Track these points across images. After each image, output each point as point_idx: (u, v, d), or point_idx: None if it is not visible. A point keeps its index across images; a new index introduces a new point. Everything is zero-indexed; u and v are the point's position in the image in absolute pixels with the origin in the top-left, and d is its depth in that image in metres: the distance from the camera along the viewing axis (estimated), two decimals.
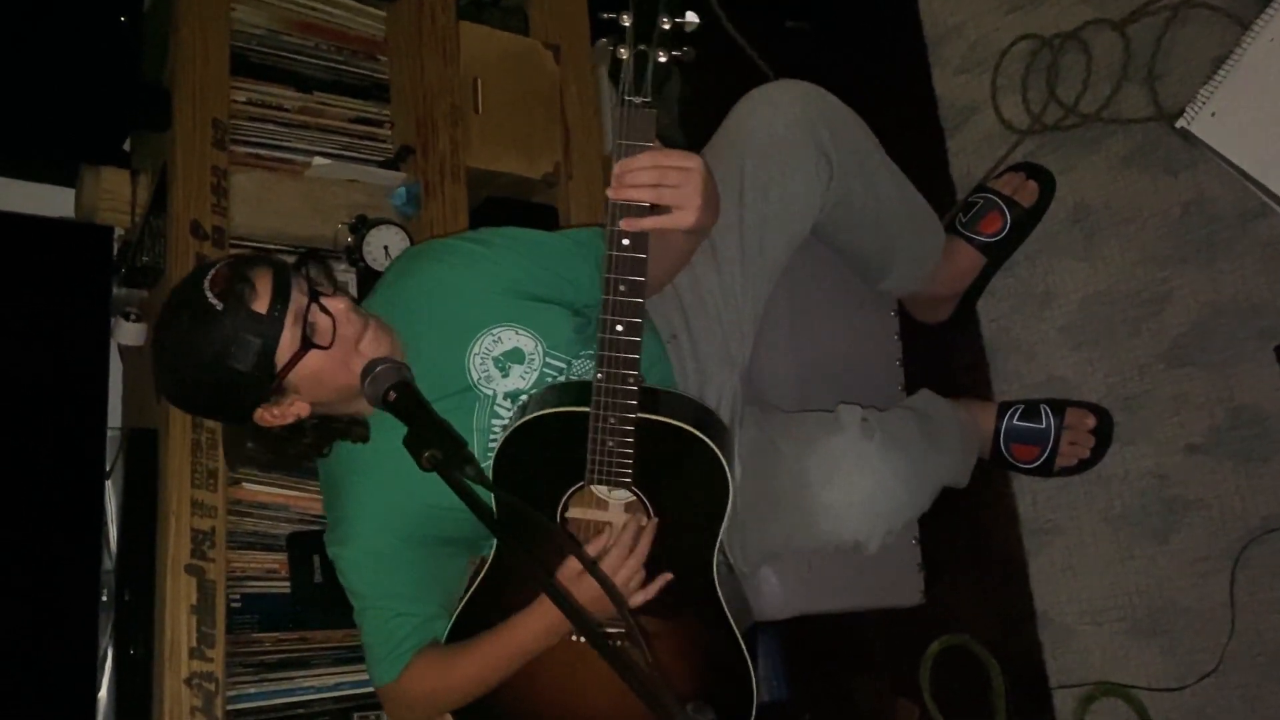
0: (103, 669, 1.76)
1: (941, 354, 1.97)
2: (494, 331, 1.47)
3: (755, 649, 1.51)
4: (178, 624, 1.62)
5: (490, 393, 1.48)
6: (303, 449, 1.44)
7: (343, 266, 1.94)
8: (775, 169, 1.52)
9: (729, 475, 1.33)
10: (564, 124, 2.22)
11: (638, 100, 1.16)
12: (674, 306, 1.64)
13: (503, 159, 2.12)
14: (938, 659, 1.94)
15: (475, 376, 1.47)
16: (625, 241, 1.22)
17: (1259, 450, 1.61)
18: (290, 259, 1.39)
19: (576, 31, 2.30)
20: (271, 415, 1.37)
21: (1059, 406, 1.77)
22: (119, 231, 1.98)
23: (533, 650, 1.42)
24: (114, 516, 1.82)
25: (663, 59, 1.13)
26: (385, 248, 1.92)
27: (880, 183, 1.64)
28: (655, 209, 1.22)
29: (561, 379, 1.50)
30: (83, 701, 1.71)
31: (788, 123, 1.51)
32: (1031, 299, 1.89)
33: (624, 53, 1.13)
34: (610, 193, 1.20)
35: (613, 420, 1.29)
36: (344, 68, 2.07)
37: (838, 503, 1.45)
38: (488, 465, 1.41)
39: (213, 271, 1.30)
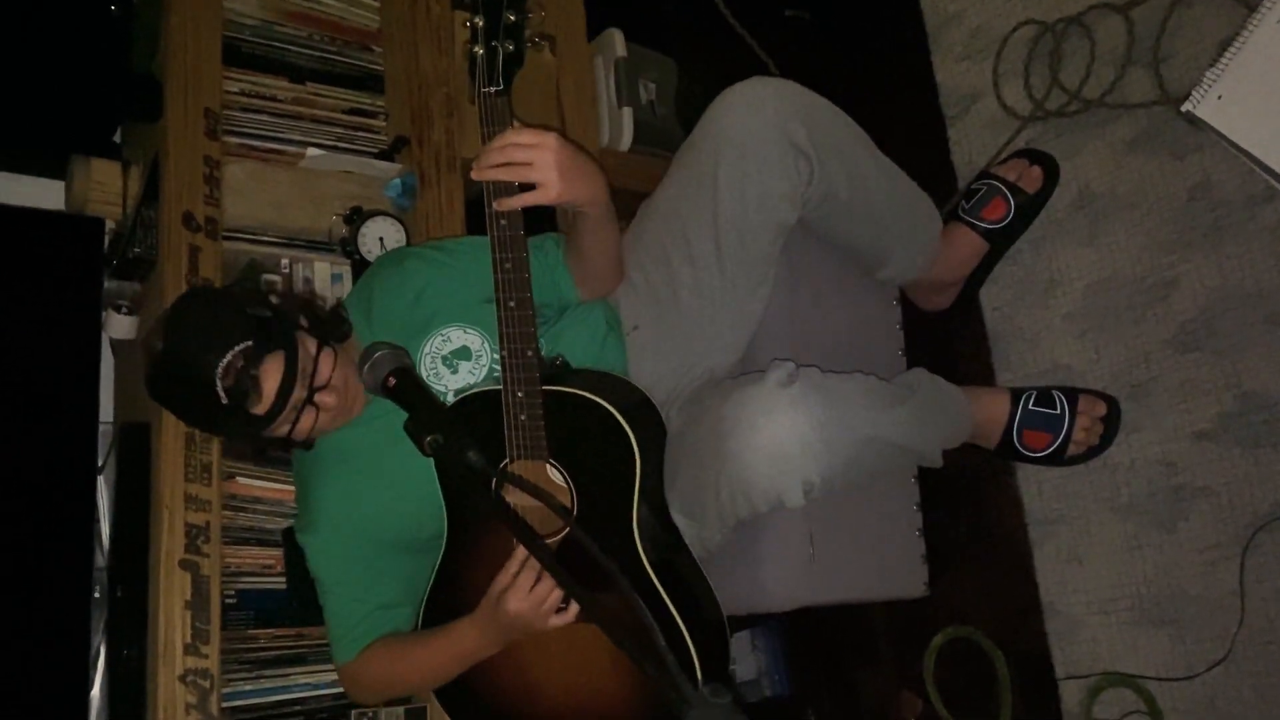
0: (95, 666, 1.73)
1: (944, 342, 1.96)
2: (443, 332, 1.57)
3: (725, 640, 1.50)
4: (172, 620, 1.59)
5: (442, 389, 1.55)
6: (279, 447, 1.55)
7: (336, 259, 1.92)
8: (750, 167, 1.50)
9: (631, 439, 1.37)
10: (560, 115, 2.19)
11: (492, 90, 1.31)
12: (647, 300, 1.64)
13: None
14: (942, 651, 1.93)
15: (424, 375, 1.55)
16: (502, 222, 1.35)
17: (1268, 436, 1.59)
18: (305, 322, 1.50)
19: (572, 23, 2.28)
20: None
21: (1071, 394, 1.75)
22: (110, 224, 1.95)
23: (476, 655, 1.47)
24: (106, 512, 1.79)
25: (511, 48, 1.28)
26: (380, 239, 1.90)
27: (866, 174, 1.62)
28: (524, 188, 1.34)
29: None
30: (75, 700, 1.69)
31: (760, 121, 1.50)
32: (1035, 286, 1.87)
33: (479, 50, 1.27)
34: (472, 174, 1.33)
35: (520, 394, 1.36)
36: (337, 58, 2.05)
37: (744, 448, 1.39)
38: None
39: (226, 361, 1.35)
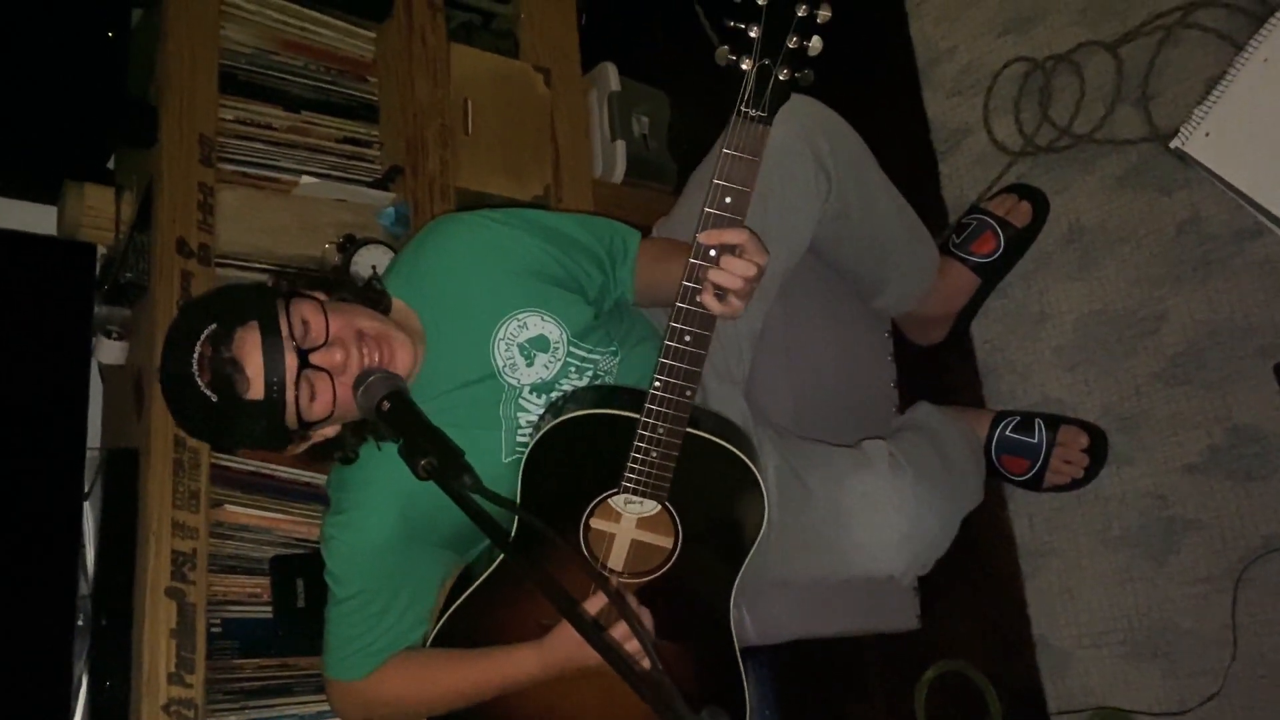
0: (77, 696, 1.70)
1: (936, 375, 1.96)
2: (519, 316, 1.44)
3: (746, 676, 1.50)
4: (156, 648, 1.57)
5: (515, 383, 1.45)
6: (335, 455, 1.41)
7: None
8: (774, 180, 1.50)
9: (766, 507, 1.34)
10: (554, 147, 2.21)
11: (754, 113, 1.15)
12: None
13: (492, 180, 2.11)
14: (933, 685, 1.92)
15: (500, 363, 1.44)
16: (712, 252, 1.23)
17: (1258, 469, 1.60)
18: (277, 284, 1.35)
19: (566, 55, 2.30)
20: (299, 447, 1.36)
21: (1053, 422, 1.76)
22: (102, 249, 1.94)
23: (524, 684, 1.40)
24: (91, 539, 1.77)
25: (783, 78, 1.13)
26: (374, 267, 1.90)
27: (877, 197, 1.64)
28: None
29: (590, 371, 1.48)
30: None
31: (786, 134, 1.49)
32: (1026, 319, 1.88)
33: (747, 64, 1.12)
34: (701, 238, 1.21)
35: (662, 431, 1.28)
36: (332, 88, 2.06)
37: (874, 542, 1.49)
38: (517, 460, 1.39)
39: (198, 352, 1.24)
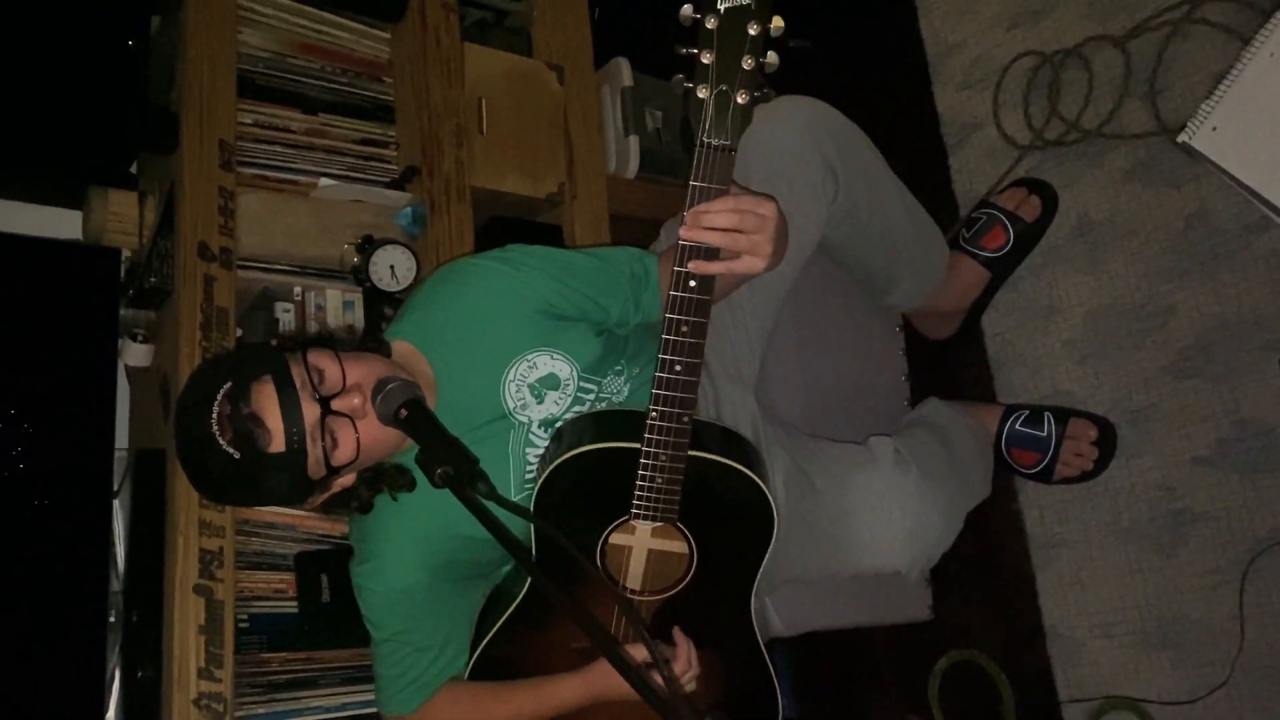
0: (110, 691, 1.75)
1: (947, 369, 1.98)
2: (528, 357, 1.43)
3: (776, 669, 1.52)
4: (186, 644, 1.60)
5: (525, 420, 1.45)
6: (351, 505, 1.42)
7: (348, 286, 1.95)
8: (781, 182, 1.50)
9: (775, 517, 1.34)
10: (568, 144, 2.22)
11: (716, 142, 1.10)
12: None
13: (507, 179, 2.13)
14: (947, 674, 1.94)
15: (511, 405, 1.44)
16: (692, 283, 1.20)
17: (1265, 462, 1.61)
18: (282, 342, 1.34)
19: (580, 52, 2.31)
20: (319, 499, 1.37)
21: (1063, 415, 1.78)
22: (127, 253, 1.98)
23: (562, 711, 1.43)
24: (122, 537, 1.81)
25: (742, 101, 1.07)
26: (391, 267, 1.92)
27: (886, 197, 1.65)
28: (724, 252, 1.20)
29: (592, 397, 1.49)
30: None
31: (794, 136, 1.51)
32: (1036, 313, 1.89)
33: (703, 93, 1.06)
34: (682, 233, 1.17)
35: (664, 458, 1.27)
36: (349, 90, 2.08)
37: (879, 539, 1.51)
38: (526, 495, 1.41)
39: (216, 411, 1.22)
